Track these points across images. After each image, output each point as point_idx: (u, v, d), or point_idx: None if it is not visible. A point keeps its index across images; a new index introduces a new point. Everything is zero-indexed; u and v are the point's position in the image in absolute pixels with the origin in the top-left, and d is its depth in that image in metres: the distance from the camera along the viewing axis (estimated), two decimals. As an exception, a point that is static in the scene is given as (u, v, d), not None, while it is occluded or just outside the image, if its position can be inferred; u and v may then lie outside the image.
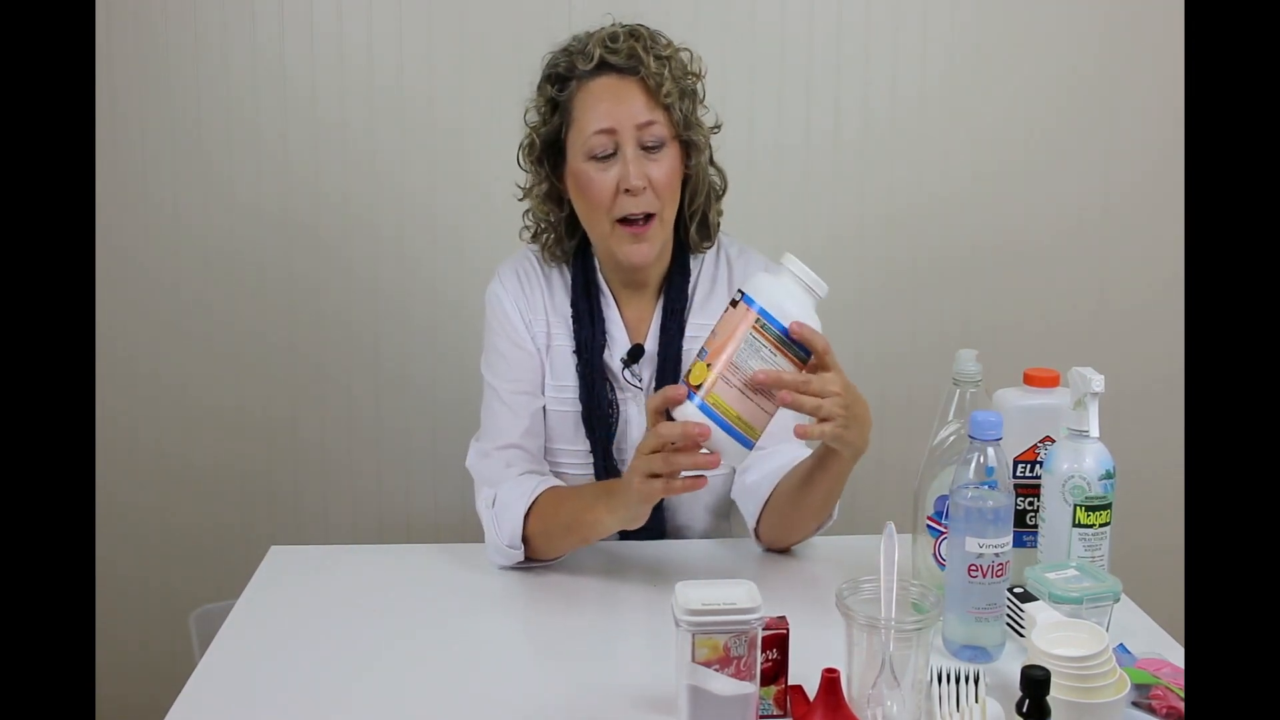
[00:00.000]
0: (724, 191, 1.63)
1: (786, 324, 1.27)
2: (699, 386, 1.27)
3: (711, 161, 1.60)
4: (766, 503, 1.53)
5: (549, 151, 1.56)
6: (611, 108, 1.49)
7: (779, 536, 1.55)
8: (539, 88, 1.56)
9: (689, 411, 1.28)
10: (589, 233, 1.56)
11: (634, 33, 1.52)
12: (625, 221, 1.50)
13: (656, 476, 1.31)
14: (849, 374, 2.25)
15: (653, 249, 1.52)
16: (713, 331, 1.30)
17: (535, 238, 1.62)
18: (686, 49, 1.55)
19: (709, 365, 1.27)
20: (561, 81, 1.53)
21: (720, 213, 1.63)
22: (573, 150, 1.52)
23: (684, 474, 1.32)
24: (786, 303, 1.28)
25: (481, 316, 1.63)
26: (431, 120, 2.17)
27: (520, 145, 1.58)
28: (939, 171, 2.24)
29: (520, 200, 1.62)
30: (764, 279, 1.30)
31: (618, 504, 1.40)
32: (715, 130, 1.60)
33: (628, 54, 1.49)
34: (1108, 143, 2.25)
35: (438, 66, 2.16)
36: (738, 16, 2.16)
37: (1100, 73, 2.23)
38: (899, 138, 2.22)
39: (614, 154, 1.49)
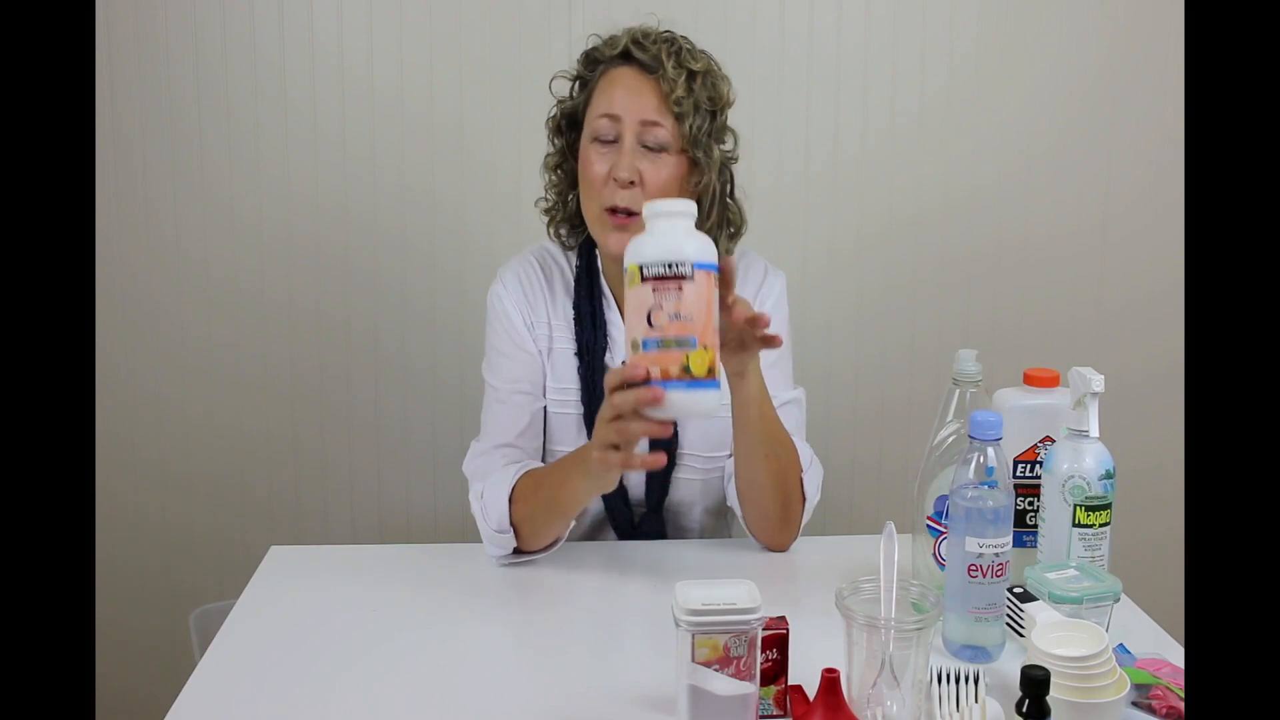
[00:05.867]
0: (740, 229, 1.61)
1: (718, 261, 1.26)
2: (711, 371, 1.23)
3: (731, 195, 1.60)
4: (738, 487, 1.54)
5: (570, 125, 1.59)
6: (623, 97, 1.50)
7: (762, 514, 1.54)
8: (576, 64, 1.59)
9: (714, 398, 1.25)
10: (585, 215, 1.57)
11: (669, 37, 1.53)
12: (613, 211, 1.50)
13: (616, 448, 1.30)
14: (848, 375, 2.29)
15: None
16: (675, 314, 1.21)
17: (549, 211, 1.64)
18: (723, 75, 1.55)
19: (707, 347, 1.22)
20: (593, 63, 1.56)
21: (731, 251, 1.61)
22: (584, 128, 1.55)
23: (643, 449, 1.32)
24: (708, 245, 1.25)
25: (483, 315, 1.63)
26: (431, 128, 2.17)
27: (546, 118, 1.62)
28: (940, 174, 2.24)
29: (543, 180, 1.64)
30: (679, 238, 1.23)
31: (586, 472, 1.40)
32: (731, 159, 1.58)
33: (653, 54, 1.50)
34: (1108, 145, 2.25)
35: (438, 73, 2.16)
36: (737, 25, 2.17)
37: (1101, 76, 2.23)
38: (901, 139, 2.22)
39: (616, 142, 1.50)
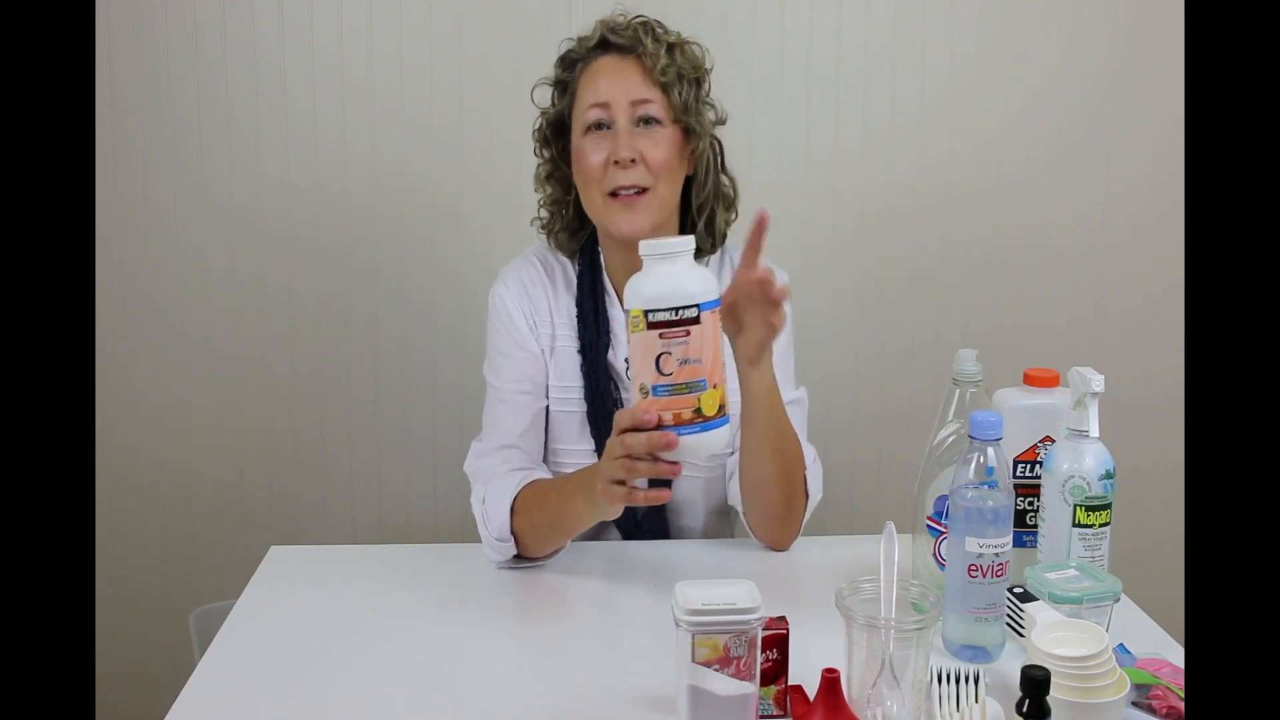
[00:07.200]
0: (734, 199, 1.63)
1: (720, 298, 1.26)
2: (722, 408, 1.24)
3: (723, 168, 1.61)
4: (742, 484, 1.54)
5: (556, 133, 1.59)
6: (608, 83, 1.51)
7: (766, 510, 1.53)
8: (552, 72, 1.59)
9: (725, 435, 1.25)
10: (587, 210, 1.57)
11: (641, 19, 1.55)
12: (616, 194, 1.50)
13: (620, 483, 1.31)
14: (848, 375, 2.29)
15: (645, 220, 1.50)
16: (684, 359, 1.21)
17: (545, 225, 1.64)
18: (696, 43, 1.57)
19: (716, 385, 1.23)
20: (570, 65, 1.57)
21: (729, 222, 1.63)
22: (574, 127, 1.55)
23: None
24: (709, 280, 1.25)
25: (483, 315, 1.63)
26: (431, 128, 2.17)
27: (532, 130, 1.61)
28: (940, 172, 2.24)
29: (536, 194, 1.64)
30: (681, 280, 1.22)
31: (590, 498, 1.40)
32: (719, 123, 1.60)
33: (630, 36, 1.52)
34: (1109, 144, 2.25)
35: (438, 73, 2.16)
36: (737, 25, 2.17)
37: (1101, 76, 2.23)
38: (901, 137, 2.23)
39: (609, 129, 1.51)
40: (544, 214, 1.65)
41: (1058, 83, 2.23)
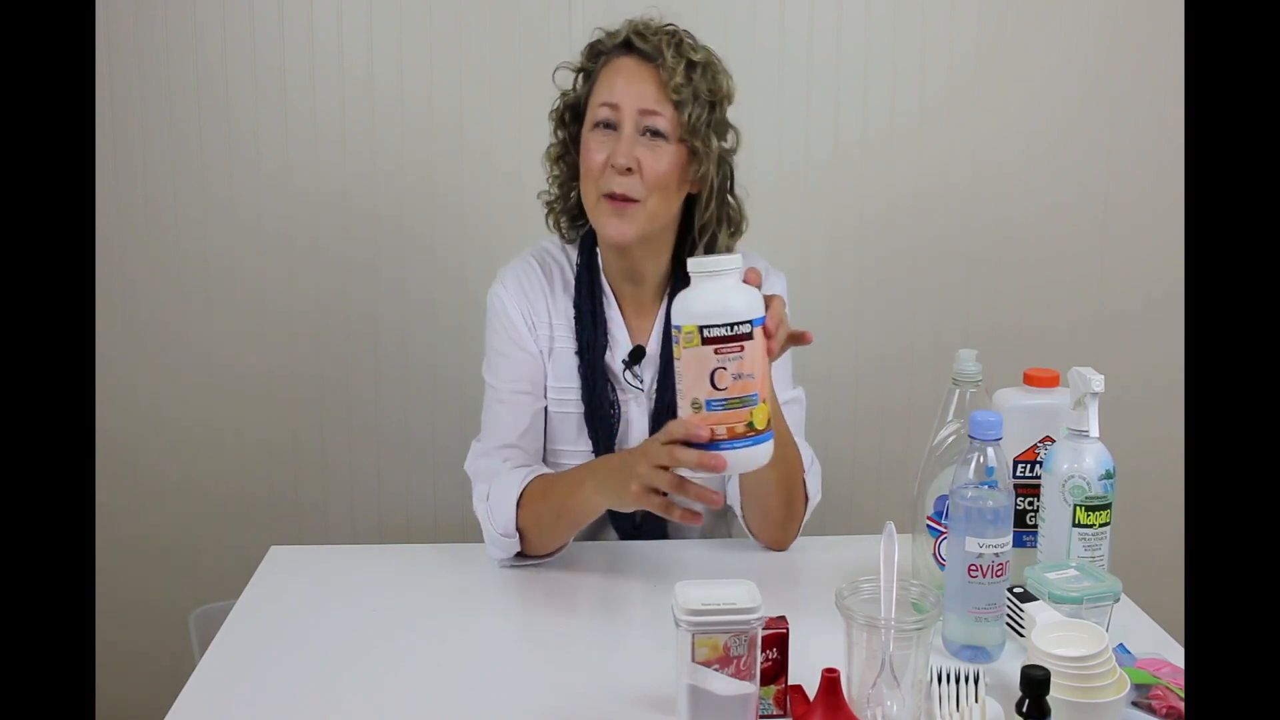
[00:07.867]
0: (740, 222, 1.61)
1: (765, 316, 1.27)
2: (769, 421, 1.25)
3: (731, 192, 1.60)
4: (741, 488, 1.54)
5: (573, 117, 1.59)
6: (623, 85, 1.51)
7: (765, 513, 1.54)
8: (579, 56, 1.60)
9: (771, 447, 1.26)
10: (584, 202, 1.57)
11: (671, 29, 1.54)
12: (610, 196, 1.50)
13: (658, 492, 1.31)
14: (848, 375, 2.28)
15: (630, 229, 1.51)
16: (739, 374, 1.22)
17: (550, 203, 1.64)
18: (722, 67, 1.55)
19: (765, 400, 1.24)
20: (596, 55, 1.57)
21: (731, 249, 1.60)
22: (586, 119, 1.55)
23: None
24: (756, 297, 1.26)
25: (483, 315, 1.63)
26: (432, 128, 2.17)
27: (550, 111, 1.62)
28: (940, 172, 2.24)
29: (544, 177, 1.64)
30: (733, 298, 1.24)
31: (605, 486, 1.40)
32: (732, 151, 1.58)
33: (654, 44, 1.51)
34: (1109, 144, 2.25)
35: (438, 73, 2.16)
36: (737, 25, 2.17)
37: (1101, 76, 2.23)
38: (901, 137, 2.23)
39: (616, 130, 1.51)
40: (552, 191, 1.65)
41: (1058, 83, 2.23)
